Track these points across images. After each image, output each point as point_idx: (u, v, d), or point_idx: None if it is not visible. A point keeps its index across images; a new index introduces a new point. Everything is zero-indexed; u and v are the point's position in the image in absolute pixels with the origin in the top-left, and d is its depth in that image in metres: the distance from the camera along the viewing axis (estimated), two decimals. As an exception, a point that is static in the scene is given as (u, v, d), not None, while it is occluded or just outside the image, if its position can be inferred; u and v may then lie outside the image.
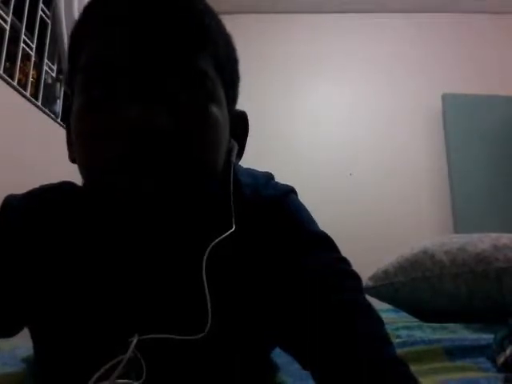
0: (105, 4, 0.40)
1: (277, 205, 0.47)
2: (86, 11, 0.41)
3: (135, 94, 0.36)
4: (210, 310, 0.39)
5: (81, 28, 0.42)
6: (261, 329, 0.46)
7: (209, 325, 0.38)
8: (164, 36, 0.37)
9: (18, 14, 1.71)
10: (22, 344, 0.76)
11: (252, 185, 0.48)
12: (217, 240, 0.41)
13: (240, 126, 0.49)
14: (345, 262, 0.46)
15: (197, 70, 0.38)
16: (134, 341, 0.38)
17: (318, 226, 0.48)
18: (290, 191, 0.50)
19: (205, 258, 0.40)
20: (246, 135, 0.50)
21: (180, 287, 0.44)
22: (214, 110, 0.40)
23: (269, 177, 0.52)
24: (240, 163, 0.53)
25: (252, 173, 0.51)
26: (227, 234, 0.42)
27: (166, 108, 0.36)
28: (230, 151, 0.46)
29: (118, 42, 0.37)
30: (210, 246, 0.41)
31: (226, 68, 0.43)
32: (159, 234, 0.42)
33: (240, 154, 0.49)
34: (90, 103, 0.38)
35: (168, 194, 0.37)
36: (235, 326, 0.45)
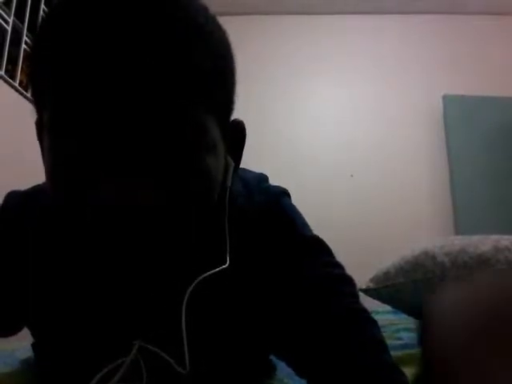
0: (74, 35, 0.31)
1: (269, 211, 0.46)
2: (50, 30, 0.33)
3: (115, 166, 0.31)
4: (186, 351, 0.38)
5: (45, 52, 0.33)
6: (258, 335, 0.46)
7: (187, 362, 0.38)
8: (150, 89, 0.31)
9: (19, 15, 1.71)
10: (21, 346, 0.76)
11: (244, 192, 0.47)
12: (205, 274, 0.40)
13: (236, 137, 0.44)
14: (339, 266, 0.45)
15: (193, 125, 0.33)
16: (137, 344, 0.38)
17: (311, 230, 0.48)
18: (282, 193, 0.50)
19: (188, 291, 0.39)
20: (243, 146, 0.45)
21: (171, 301, 0.43)
22: (210, 161, 0.35)
23: (261, 179, 0.51)
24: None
25: (244, 177, 0.50)
26: (217, 269, 0.40)
27: (153, 180, 0.32)
28: (226, 169, 0.42)
29: (90, 94, 0.30)
30: (197, 279, 0.40)
31: (223, 102, 0.38)
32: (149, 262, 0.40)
33: (236, 166, 0.45)
34: (61, 165, 0.33)
35: (156, 249, 0.35)
36: (234, 333, 0.45)
